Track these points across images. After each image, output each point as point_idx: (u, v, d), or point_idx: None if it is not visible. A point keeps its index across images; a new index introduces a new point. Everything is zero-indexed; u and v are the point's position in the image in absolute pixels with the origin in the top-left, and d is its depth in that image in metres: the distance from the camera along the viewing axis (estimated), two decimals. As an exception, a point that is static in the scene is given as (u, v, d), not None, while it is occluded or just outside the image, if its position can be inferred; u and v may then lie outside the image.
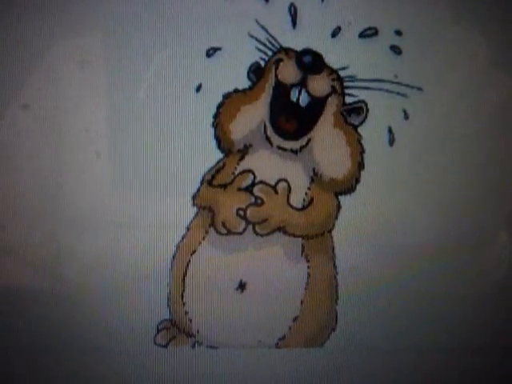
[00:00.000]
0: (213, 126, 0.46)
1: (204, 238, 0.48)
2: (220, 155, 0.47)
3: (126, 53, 0.46)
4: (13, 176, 0.47)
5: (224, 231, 0.48)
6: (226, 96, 0.46)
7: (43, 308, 0.48)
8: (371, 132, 0.47)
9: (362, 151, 0.47)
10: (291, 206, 0.48)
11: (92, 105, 0.46)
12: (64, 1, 0.46)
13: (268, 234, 0.48)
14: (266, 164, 0.47)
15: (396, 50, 0.46)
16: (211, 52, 0.46)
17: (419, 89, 0.47)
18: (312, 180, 0.48)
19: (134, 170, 0.47)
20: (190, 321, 0.49)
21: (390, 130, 0.47)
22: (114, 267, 0.48)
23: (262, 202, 0.47)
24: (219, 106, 0.46)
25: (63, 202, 0.47)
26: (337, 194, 0.48)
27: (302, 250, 0.48)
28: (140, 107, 0.47)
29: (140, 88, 0.46)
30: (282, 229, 0.48)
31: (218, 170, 0.47)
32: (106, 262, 0.48)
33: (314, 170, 0.47)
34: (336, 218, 0.48)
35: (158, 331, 0.49)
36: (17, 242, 0.47)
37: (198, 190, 0.47)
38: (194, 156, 0.47)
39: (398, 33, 0.46)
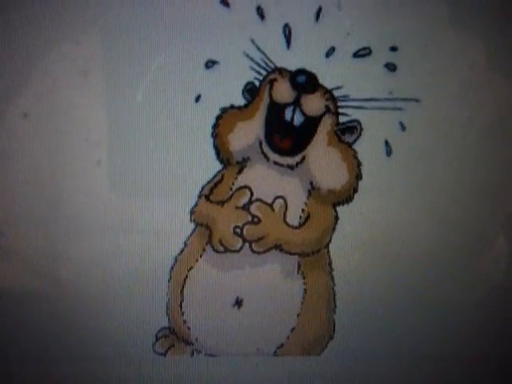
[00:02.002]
0: (212, 136, 0.47)
1: (201, 256, 0.48)
2: (219, 166, 0.47)
3: (126, 62, 0.46)
4: (13, 182, 0.47)
5: (221, 249, 0.48)
6: (223, 110, 0.47)
7: (41, 314, 0.49)
8: (368, 146, 0.48)
9: (359, 164, 0.47)
10: (287, 224, 0.48)
11: (92, 114, 0.47)
12: (64, 10, 0.46)
13: (265, 251, 0.48)
14: (263, 179, 0.48)
15: (391, 67, 0.47)
16: (210, 64, 0.46)
17: (416, 100, 0.47)
18: (309, 193, 0.48)
19: (133, 178, 0.47)
20: (189, 329, 0.50)
21: (386, 143, 0.47)
22: (112, 275, 0.49)
23: (259, 220, 0.48)
24: (218, 118, 0.47)
25: (62, 209, 0.48)
26: (334, 206, 0.48)
27: (299, 268, 0.49)
28: (139, 116, 0.47)
29: (139, 97, 0.46)
30: (278, 247, 0.48)
31: (216, 183, 0.47)
32: (104, 269, 0.49)
33: (311, 183, 0.48)
34: (334, 230, 0.48)
35: (157, 339, 0.50)
36: (16, 247, 0.48)
37: (196, 204, 0.47)
38: (193, 166, 0.47)
39: (393, 49, 0.46)
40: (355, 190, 0.48)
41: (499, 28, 0.48)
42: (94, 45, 0.46)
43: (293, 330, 0.50)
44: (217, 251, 0.48)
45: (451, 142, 0.49)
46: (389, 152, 0.48)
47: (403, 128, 0.47)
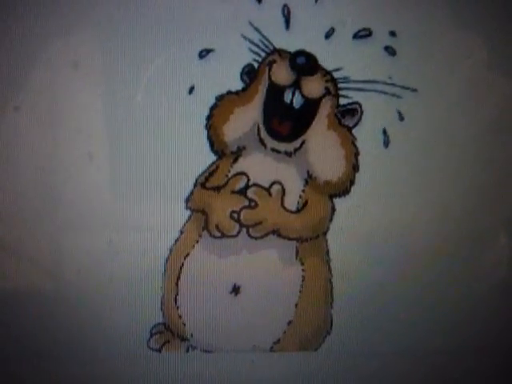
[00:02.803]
0: (206, 127, 0.46)
1: (197, 241, 0.47)
2: (213, 157, 0.47)
3: (118, 54, 0.46)
4: (4, 179, 0.46)
5: (218, 234, 0.47)
6: (219, 98, 0.46)
7: (36, 310, 0.48)
8: (366, 134, 0.47)
9: (357, 153, 0.47)
10: (285, 209, 0.47)
11: (85, 107, 0.46)
12: (56, 2, 0.45)
13: (262, 236, 0.48)
14: (259, 166, 0.47)
15: (390, 50, 0.46)
16: (204, 53, 0.45)
17: (414, 90, 0.46)
18: (306, 182, 0.47)
19: (126, 172, 0.47)
20: (184, 325, 0.48)
21: (384, 132, 0.47)
22: (106, 270, 0.48)
23: (256, 205, 0.47)
24: (212, 108, 0.46)
25: (56, 204, 0.47)
26: (331, 197, 0.47)
27: (297, 253, 0.48)
28: (132, 109, 0.46)
29: (132, 90, 0.46)
30: (276, 232, 0.47)
31: (211, 172, 0.47)
32: (98, 264, 0.48)
33: (308, 172, 0.47)
34: (331, 220, 0.47)
35: (152, 335, 0.49)
36: (7, 244, 0.46)
37: (191, 192, 0.46)
38: (187, 158, 0.46)
39: (393, 34, 0.46)
40: (352, 183, 0.47)
41: (500, 20, 0.48)
42: (86, 37, 0.46)
43: (290, 323, 0.49)
44: (214, 236, 0.48)
45: (450, 134, 0.48)
46: (386, 142, 0.47)
47: (401, 118, 0.47)
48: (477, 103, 0.48)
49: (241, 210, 0.47)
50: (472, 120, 0.48)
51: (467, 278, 0.50)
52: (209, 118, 0.46)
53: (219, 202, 0.47)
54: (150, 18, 0.45)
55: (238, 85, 0.46)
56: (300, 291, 0.48)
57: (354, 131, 0.47)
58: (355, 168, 0.47)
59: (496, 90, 0.48)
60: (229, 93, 0.46)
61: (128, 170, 0.47)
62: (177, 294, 0.48)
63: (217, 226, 0.47)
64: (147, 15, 0.45)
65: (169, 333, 0.49)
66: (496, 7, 0.48)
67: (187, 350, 0.49)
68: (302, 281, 0.48)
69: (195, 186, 0.47)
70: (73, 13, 0.45)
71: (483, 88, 0.48)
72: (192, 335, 0.49)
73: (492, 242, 0.50)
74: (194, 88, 0.46)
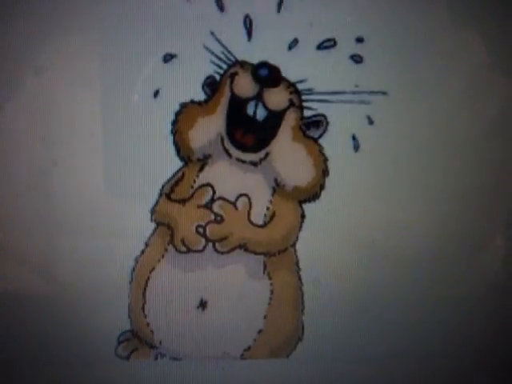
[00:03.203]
0: (171, 132, 0.45)
1: (163, 256, 0.47)
2: (179, 164, 0.46)
3: (82, 58, 0.45)
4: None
5: (183, 249, 0.47)
6: (183, 106, 0.45)
7: (3, 316, 0.47)
8: (334, 141, 0.46)
9: (326, 159, 0.46)
10: (252, 223, 0.46)
11: (47, 113, 0.45)
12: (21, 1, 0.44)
13: (229, 251, 0.47)
14: (225, 177, 0.46)
15: (357, 58, 0.45)
16: (168, 58, 0.44)
17: (384, 93, 0.45)
18: (274, 191, 0.46)
19: (92, 178, 0.46)
20: (152, 332, 0.48)
21: (353, 137, 0.46)
22: (72, 277, 0.47)
23: (222, 219, 0.46)
24: (177, 114, 0.45)
25: (20, 211, 0.46)
26: (301, 203, 0.46)
27: (264, 268, 0.47)
28: (96, 113, 0.45)
29: (96, 92, 0.45)
30: (243, 246, 0.47)
31: (176, 181, 0.46)
32: (65, 271, 0.47)
33: (276, 180, 0.46)
34: (300, 227, 0.47)
35: (119, 343, 0.48)
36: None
37: (157, 203, 0.46)
38: (152, 164, 0.46)
39: (360, 40, 0.45)
40: (322, 187, 0.46)
41: (470, 19, 0.47)
42: (47, 41, 0.45)
43: (260, 332, 0.48)
44: (179, 251, 0.47)
45: (420, 136, 0.47)
46: (356, 147, 0.46)
47: (371, 122, 0.46)
48: (448, 104, 0.47)
49: (207, 224, 0.46)
50: (443, 121, 0.47)
51: (444, 283, 0.49)
52: (174, 123, 0.45)
53: (185, 216, 0.46)
54: (114, 18, 0.44)
55: (200, 95, 0.45)
56: (269, 304, 0.48)
57: (321, 139, 0.46)
58: (325, 173, 0.46)
59: (468, 91, 0.47)
60: (192, 102, 0.45)
61: (93, 175, 0.46)
62: (144, 304, 0.47)
63: (182, 241, 0.46)
64: (112, 16, 0.44)
65: (137, 340, 0.48)
66: (466, 8, 0.47)
67: (156, 358, 0.49)
68: (271, 294, 0.48)
69: (160, 195, 0.46)
70: (33, 14, 0.44)
71: (454, 89, 0.47)
72: (161, 343, 0.48)
73: (466, 245, 0.49)
74: (158, 92, 0.45)
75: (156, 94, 0.45)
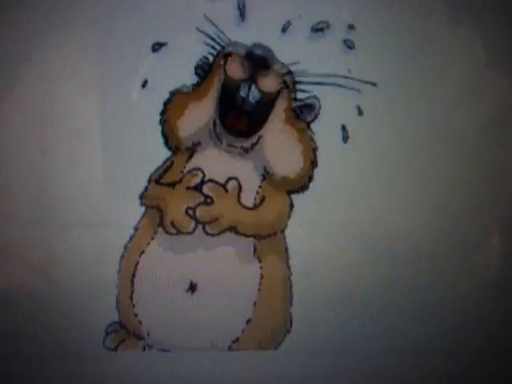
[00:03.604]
0: (160, 123, 0.45)
1: (153, 239, 0.47)
2: (168, 153, 0.45)
3: (69, 49, 0.45)
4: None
5: (173, 231, 0.46)
6: (173, 93, 0.45)
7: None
8: (324, 129, 0.46)
9: (315, 148, 0.46)
10: (242, 205, 0.46)
11: (37, 102, 0.45)
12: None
13: (219, 233, 0.47)
14: (215, 162, 0.46)
15: (349, 44, 0.45)
16: (157, 47, 0.44)
17: (373, 84, 0.46)
18: (263, 178, 0.46)
19: (79, 168, 0.45)
20: (140, 323, 0.48)
21: (343, 127, 0.46)
22: (60, 268, 0.47)
23: (212, 201, 0.46)
24: (166, 103, 0.45)
25: (9, 202, 0.46)
26: (289, 193, 0.46)
27: (254, 251, 0.47)
28: (84, 103, 0.45)
29: (85, 84, 0.45)
30: (233, 228, 0.47)
31: (165, 169, 0.46)
32: (52, 262, 0.47)
33: (265, 168, 0.46)
34: (289, 217, 0.47)
35: (107, 334, 0.48)
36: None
37: (146, 188, 0.45)
38: (141, 154, 0.46)
39: (351, 27, 0.45)
40: (311, 179, 0.46)
41: (460, 11, 0.47)
42: (34, 32, 0.45)
43: (248, 321, 0.48)
44: (169, 233, 0.47)
45: (409, 128, 0.47)
46: (345, 138, 0.46)
47: (360, 113, 0.46)
48: (437, 97, 0.47)
49: (196, 206, 0.46)
50: (433, 113, 0.47)
51: (434, 274, 0.49)
52: (163, 113, 0.45)
53: (174, 198, 0.46)
54: (101, 10, 0.44)
55: (192, 79, 0.45)
56: (258, 289, 0.48)
57: (312, 126, 0.46)
58: (314, 164, 0.46)
59: (458, 83, 0.48)
60: (183, 87, 0.45)
61: (82, 165, 0.46)
62: (132, 293, 0.47)
63: (172, 223, 0.46)
64: (99, 8, 0.44)
65: (124, 332, 0.48)
66: (459, 1, 0.47)
67: (144, 349, 0.48)
68: (261, 279, 0.47)
69: (149, 182, 0.45)
70: (17, 8, 0.44)
71: (444, 81, 0.47)
72: (148, 334, 0.48)
73: (456, 236, 0.49)
74: (147, 82, 0.45)
75: (144, 84, 0.45)
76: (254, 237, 0.47)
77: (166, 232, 0.46)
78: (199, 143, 0.46)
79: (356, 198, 0.48)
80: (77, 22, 0.45)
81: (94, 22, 0.45)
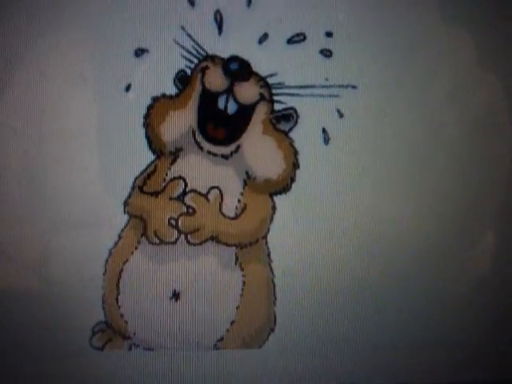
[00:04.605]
0: (144, 126, 0.46)
1: (136, 248, 0.47)
2: (152, 157, 0.46)
3: (54, 52, 0.45)
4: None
5: (156, 241, 0.47)
6: (155, 99, 0.46)
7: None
8: (304, 134, 0.47)
9: (296, 153, 0.46)
10: (224, 215, 0.47)
11: (19, 104, 0.46)
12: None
13: (201, 243, 0.47)
14: (197, 170, 0.47)
15: (326, 53, 0.46)
16: (139, 52, 0.45)
17: (353, 87, 0.46)
18: (245, 183, 0.47)
19: (65, 169, 0.46)
20: (126, 323, 0.48)
21: (324, 130, 0.47)
22: (46, 268, 0.47)
23: (194, 212, 0.47)
24: (149, 108, 0.45)
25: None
26: (271, 195, 0.47)
27: (236, 259, 0.48)
28: (68, 106, 0.46)
29: (69, 86, 0.45)
30: (214, 238, 0.47)
31: (149, 174, 0.46)
32: (39, 263, 0.47)
33: (247, 173, 0.47)
34: (271, 220, 0.47)
35: (94, 334, 0.48)
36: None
37: (129, 196, 0.46)
38: (125, 157, 0.46)
39: (329, 34, 0.45)
40: (293, 180, 0.47)
41: (439, 11, 0.47)
42: (20, 33, 0.45)
43: (232, 323, 0.49)
44: (152, 243, 0.47)
45: (390, 129, 0.48)
46: (326, 140, 0.47)
47: (341, 115, 0.47)
48: (418, 97, 0.48)
49: (179, 216, 0.47)
50: (412, 114, 0.48)
51: (411, 274, 0.50)
52: (146, 116, 0.46)
53: (157, 208, 0.47)
54: (87, 12, 0.45)
55: (172, 89, 0.46)
56: (241, 295, 0.48)
57: (291, 132, 0.46)
58: (295, 165, 0.47)
59: (438, 84, 0.48)
60: (163, 96, 0.46)
61: (67, 167, 0.46)
62: (118, 294, 0.48)
63: (155, 233, 0.47)
64: (85, 10, 0.45)
65: (111, 331, 0.49)
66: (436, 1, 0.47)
67: (130, 348, 0.49)
68: (243, 285, 0.48)
69: (133, 188, 0.46)
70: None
71: (423, 82, 0.48)
72: (134, 333, 0.49)
73: (436, 240, 0.50)
74: (130, 86, 0.45)
75: (128, 87, 0.45)
76: (236, 246, 0.47)
77: (149, 242, 0.47)
78: (181, 148, 0.46)
79: (337, 198, 0.48)
80: (62, 26, 0.45)
81: (79, 25, 0.45)
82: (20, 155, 0.46)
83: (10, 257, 0.47)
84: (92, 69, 0.46)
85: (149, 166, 0.47)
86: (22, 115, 0.46)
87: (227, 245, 0.48)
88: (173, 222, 0.47)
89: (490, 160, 0.50)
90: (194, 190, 0.47)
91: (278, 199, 0.48)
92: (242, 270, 0.48)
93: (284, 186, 0.47)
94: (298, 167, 0.47)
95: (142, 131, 0.46)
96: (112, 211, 0.47)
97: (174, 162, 0.47)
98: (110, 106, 0.46)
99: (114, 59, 0.45)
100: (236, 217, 0.47)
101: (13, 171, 0.46)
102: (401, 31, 0.47)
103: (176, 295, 0.48)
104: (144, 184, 0.46)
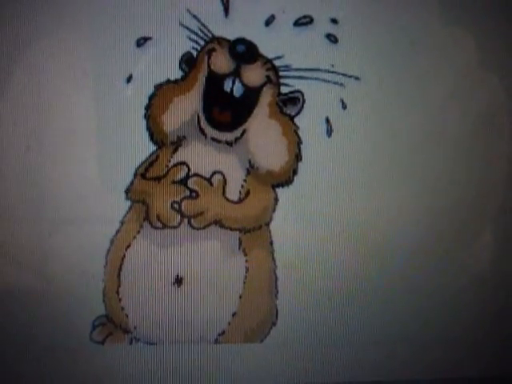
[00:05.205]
0: (145, 117, 0.45)
1: (139, 232, 0.47)
2: (153, 148, 0.46)
3: (54, 43, 0.45)
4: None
5: (159, 225, 0.47)
6: (158, 87, 0.45)
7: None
8: (308, 122, 0.47)
9: (300, 142, 0.46)
10: (227, 199, 0.46)
11: (20, 98, 0.45)
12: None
13: (204, 227, 0.47)
14: (200, 156, 0.46)
15: (332, 38, 0.46)
16: (142, 42, 0.45)
17: (356, 78, 0.46)
18: (248, 172, 0.46)
19: (65, 163, 0.45)
20: (127, 316, 0.48)
21: (327, 121, 0.46)
22: (46, 263, 0.47)
23: (197, 195, 0.46)
24: (151, 97, 0.45)
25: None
26: (274, 187, 0.46)
27: (240, 244, 0.47)
28: (70, 99, 0.45)
29: (70, 79, 0.45)
30: (218, 222, 0.47)
31: (151, 162, 0.46)
32: (39, 257, 0.47)
33: (249, 161, 0.46)
34: (274, 210, 0.47)
35: (94, 328, 0.48)
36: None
37: (131, 183, 0.46)
38: (126, 149, 0.46)
39: (334, 21, 0.45)
40: (295, 172, 0.47)
41: (449, 8, 0.48)
42: (19, 27, 0.45)
43: (234, 314, 0.48)
44: (155, 227, 0.47)
45: (392, 122, 0.48)
46: (329, 131, 0.46)
47: (344, 106, 0.47)
48: (421, 91, 0.48)
49: (182, 200, 0.46)
50: (415, 107, 0.48)
51: (413, 266, 0.50)
52: (147, 107, 0.45)
53: (160, 192, 0.46)
54: (87, 5, 0.44)
55: (176, 73, 0.45)
56: (244, 282, 0.48)
57: (296, 120, 0.46)
58: (298, 157, 0.46)
59: (442, 77, 0.48)
60: (168, 82, 0.45)
61: (67, 161, 0.46)
62: (119, 286, 0.47)
63: (158, 217, 0.46)
64: (84, 3, 0.44)
65: (111, 325, 0.48)
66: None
67: (131, 342, 0.48)
68: (246, 272, 0.48)
69: (135, 176, 0.46)
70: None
71: (427, 76, 0.47)
72: (135, 327, 0.48)
73: (440, 230, 0.50)
74: (131, 77, 0.45)
75: (129, 79, 0.45)
76: (239, 230, 0.47)
77: (152, 226, 0.47)
78: (184, 137, 0.46)
79: (339, 191, 0.48)
80: (62, 19, 0.45)
81: (79, 18, 0.45)
82: (21, 147, 0.45)
83: (11, 252, 0.47)
84: (93, 60, 0.45)
85: (150, 156, 0.46)
86: (22, 107, 0.45)
87: (231, 229, 0.47)
88: (176, 205, 0.46)
89: (492, 156, 0.50)
90: (197, 174, 0.46)
91: (280, 191, 0.47)
92: (246, 255, 0.48)
93: (286, 178, 0.47)
94: (301, 159, 0.47)
95: (144, 123, 0.45)
96: (113, 204, 0.47)
97: (175, 150, 0.46)
98: (112, 97, 0.45)
99: (116, 50, 0.45)
100: (239, 201, 0.47)
101: (13, 163, 0.46)
102: (404, 25, 0.48)
103: (179, 280, 0.47)
104: (146, 171, 0.46)
